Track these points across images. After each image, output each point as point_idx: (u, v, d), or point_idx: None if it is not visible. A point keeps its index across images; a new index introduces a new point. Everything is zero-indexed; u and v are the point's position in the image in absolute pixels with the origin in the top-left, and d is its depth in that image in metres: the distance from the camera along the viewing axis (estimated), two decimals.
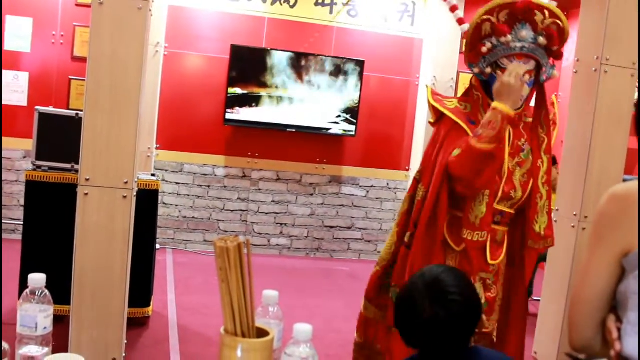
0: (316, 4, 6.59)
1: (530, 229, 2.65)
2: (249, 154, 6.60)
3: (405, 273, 2.61)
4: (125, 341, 3.39)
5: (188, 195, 6.53)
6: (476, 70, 2.56)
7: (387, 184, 6.98)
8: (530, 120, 2.65)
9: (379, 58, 6.71)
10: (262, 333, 1.32)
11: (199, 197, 6.56)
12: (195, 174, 6.52)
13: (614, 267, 1.40)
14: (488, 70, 2.52)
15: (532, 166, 2.63)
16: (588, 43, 3.63)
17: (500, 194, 2.56)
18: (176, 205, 6.52)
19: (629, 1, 3.52)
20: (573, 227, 3.59)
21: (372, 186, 6.93)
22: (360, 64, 6.52)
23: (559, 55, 2.53)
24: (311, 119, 6.51)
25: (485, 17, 2.45)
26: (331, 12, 6.62)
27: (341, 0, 6.63)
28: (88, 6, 3.45)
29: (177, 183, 6.49)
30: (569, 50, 6.94)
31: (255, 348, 1.28)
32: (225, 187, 6.60)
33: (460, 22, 2.79)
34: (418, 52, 6.85)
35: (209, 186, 6.56)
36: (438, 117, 2.66)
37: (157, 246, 6.02)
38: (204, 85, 6.41)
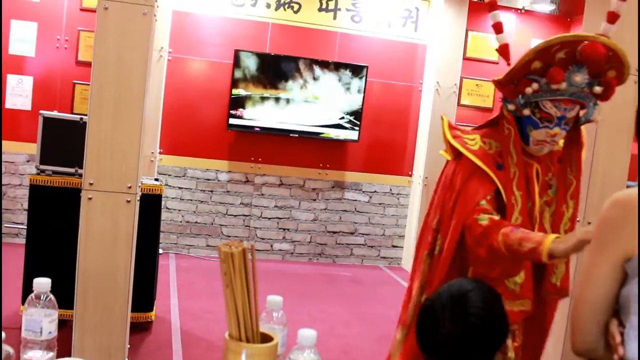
0: (320, 9, 6.60)
1: (548, 280, 2.28)
2: (252, 159, 6.60)
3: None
4: (128, 346, 3.39)
5: (191, 200, 6.54)
6: (511, 107, 2.17)
7: (390, 190, 6.98)
8: (560, 148, 2.32)
9: (382, 63, 6.72)
10: (266, 338, 1.32)
11: (202, 202, 6.56)
12: (198, 178, 6.53)
13: (616, 271, 1.41)
14: (526, 111, 2.14)
15: (557, 208, 2.29)
16: None
17: None
18: (179, 210, 6.52)
19: (631, 10, 3.52)
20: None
21: (375, 191, 6.93)
22: (363, 69, 6.52)
23: (606, 99, 2.15)
24: (314, 124, 6.51)
25: (539, 51, 2.04)
26: (335, 18, 6.64)
27: (345, 6, 6.64)
28: (93, 11, 3.47)
29: (180, 188, 6.50)
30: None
31: (259, 353, 1.28)
32: (228, 192, 6.60)
33: (497, 28, 2.28)
34: (421, 57, 6.86)
35: (212, 191, 6.57)
36: (456, 155, 2.30)
37: (160, 251, 6.02)
38: (208, 90, 6.42)
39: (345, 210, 6.90)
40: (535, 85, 2.08)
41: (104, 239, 3.19)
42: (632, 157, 3.64)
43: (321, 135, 6.57)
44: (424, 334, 1.63)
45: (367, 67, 6.53)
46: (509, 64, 2.21)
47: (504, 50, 2.24)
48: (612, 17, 2.10)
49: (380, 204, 6.97)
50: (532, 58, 2.05)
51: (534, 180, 2.24)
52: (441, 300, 1.60)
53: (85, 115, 3.26)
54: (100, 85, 3.12)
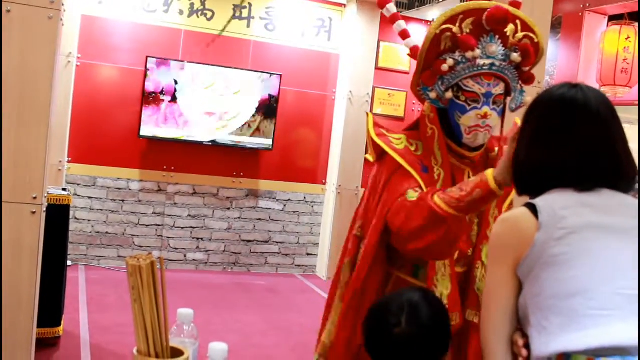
0: (233, 17, 6.57)
1: (472, 289, 2.12)
2: (165, 167, 6.49)
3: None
4: None
5: (101, 210, 6.36)
6: (432, 95, 2.04)
7: (304, 198, 7.00)
8: (495, 154, 2.18)
9: (296, 72, 6.75)
10: (176, 353, 1.30)
11: (112, 211, 6.40)
12: (109, 188, 6.36)
13: (512, 279, 1.51)
14: (448, 94, 2.02)
15: (484, 216, 2.14)
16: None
17: (456, 254, 2.07)
18: (89, 220, 6.33)
19: (534, 19, 3.67)
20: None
21: (289, 200, 6.94)
22: (277, 77, 6.53)
23: (530, 78, 2.10)
24: (228, 132, 6.47)
25: (445, 26, 1.97)
26: (249, 26, 6.62)
27: (259, 15, 6.64)
28: None
29: (90, 197, 6.31)
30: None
31: None
32: (140, 201, 6.46)
33: (404, 35, 2.21)
34: (334, 67, 6.94)
35: (123, 200, 6.41)
36: (379, 155, 2.14)
37: (69, 263, 5.83)
38: (119, 97, 6.27)
39: (259, 219, 6.88)
40: (450, 61, 1.98)
41: (6, 252, 3.06)
42: None
43: (234, 143, 6.53)
44: (376, 335, 1.63)
45: (281, 75, 6.55)
46: (390, 22, 2.20)
47: (415, 52, 2.12)
48: (515, 4, 2.09)
49: (294, 212, 6.98)
50: (438, 31, 1.98)
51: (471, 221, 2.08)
52: (398, 302, 1.62)
53: None
54: (3, 91, 3.00)
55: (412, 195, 1.93)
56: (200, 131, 6.37)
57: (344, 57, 6.85)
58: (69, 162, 6.13)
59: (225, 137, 6.47)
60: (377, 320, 1.65)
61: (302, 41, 6.77)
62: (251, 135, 6.55)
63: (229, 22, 6.46)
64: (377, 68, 6.90)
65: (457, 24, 1.96)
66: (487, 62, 1.96)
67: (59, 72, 3.41)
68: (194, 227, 6.66)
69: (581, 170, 1.50)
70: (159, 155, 6.44)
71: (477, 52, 1.95)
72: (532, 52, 2.02)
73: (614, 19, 5.25)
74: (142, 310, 1.23)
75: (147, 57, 6.16)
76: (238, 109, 6.48)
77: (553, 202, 1.49)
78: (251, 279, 6.60)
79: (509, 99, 2.11)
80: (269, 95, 6.52)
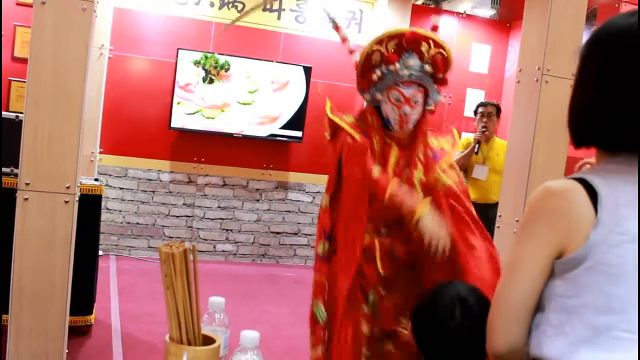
0: (264, 9, 6.58)
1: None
2: (195, 159, 6.53)
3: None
4: (67, 351, 3.31)
5: (132, 201, 6.43)
6: (367, 97, 2.72)
7: None
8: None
9: (325, 64, 6.73)
10: (208, 340, 1.31)
11: (143, 202, 6.46)
12: (139, 179, 6.42)
13: (547, 267, 1.35)
14: (379, 97, 2.65)
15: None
16: (530, 54, 3.72)
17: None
18: (120, 211, 6.40)
19: (568, 14, 3.62)
20: (515, 233, 3.66)
21: (318, 192, 6.94)
22: (307, 70, 6.53)
23: (444, 82, 2.70)
24: (258, 124, 6.49)
25: (375, 47, 2.61)
26: (279, 18, 6.62)
27: (289, 7, 6.64)
28: (30, 6, 3.39)
29: (121, 188, 6.38)
30: (512, 60, 7.13)
31: (200, 356, 1.26)
32: (170, 192, 6.52)
33: (351, 52, 2.89)
34: None
35: (153, 191, 6.47)
36: (333, 132, 2.74)
37: (100, 252, 5.90)
38: (150, 89, 6.33)
39: (288, 211, 6.89)
40: (378, 72, 2.62)
41: (40, 241, 3.10)
42: (569, 159, 3.75)
43: (265, 135, 6.54)
44: (430, 330, 1.65)
45: (310, 67, 6.54)
46: (342, 42, 2.96)
47: (356, 66, 2.75)
48: (434, 29, 2.72)
49: None
50: (370, 51, 2.62)
51: (389, 162, 2.65)
52: (447, 296, 1.64)
53: (22, 113, 3.17)
54: (37, 82, 3.03)
55: (376, 172, 2.56)
56: (230, 123, 6.40)
57: None
58: (100, 153, 6.20)
59: (255, 129, 6.49)
60: (429, 315, 1.67)
61: (332, 33, 6.73)
62: (281, 128, 6.56)
63: (241, 15, 6.43)
64: None
65: (384, 45, 2.60)
66: (407, 72, 2.58)
67: (91, 64, 3.44)
68: (223, 219, 6.70)
69: None
70: (189, 147, 6.49)
71: (398, 65, 2.58)
72: (441, 64, 2.63)
73: None
74: (175, 298, 1.24)
75: (178, 49, 6.19)
76: (269, 101, 6.49)
77: (614, 191, 1.30)
78: (280, 270, 6.62)
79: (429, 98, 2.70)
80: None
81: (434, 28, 2.74)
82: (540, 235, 1.35)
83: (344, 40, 2.97)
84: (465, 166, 5.28)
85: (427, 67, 2.61)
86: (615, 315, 1.28)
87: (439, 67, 2.63)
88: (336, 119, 2.72)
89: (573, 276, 1.31)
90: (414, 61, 2.59)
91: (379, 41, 2.60)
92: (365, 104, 2.81)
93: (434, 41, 2.61)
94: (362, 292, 2.63)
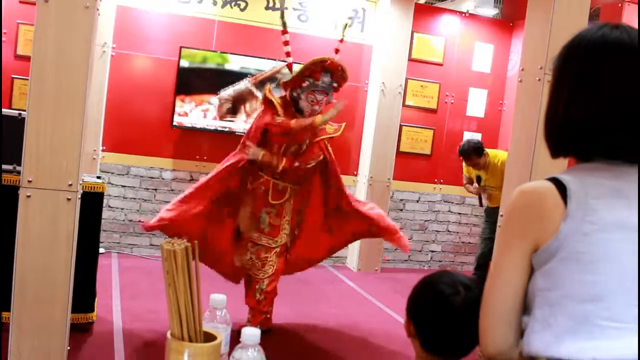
0: (266, 7, 6.58)
1: None
2: (197, 157, 6.54)
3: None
4: (68, 347, 3.32)
5: (134, 199, 6.44)
6: (294, 93, 4.24)
7: None
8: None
9: None
10: (209, 337, 1.31)
11: (145, 200, 6.47)
12: (141, 177, 6.43)
13: (526, 264, 1.38)
14: (301, 95, 4.20)
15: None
16: (532, 53, 3.72)
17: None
18: (122, 209, 6.41)
19: (571, 13, 3.62)
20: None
21: None
22: None
23: (338, 89, 4.35)
24: None
25: (310, 66, 4.12)
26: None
27: (292, 5, 6.64)
28: (33, 4, 3.40)
29: (123, 186, 6.39)
30: (514, 60, 7.13)
31: (202, 352, 1.27)
32: (172, 190, 6.52)
33: (288, 54, 4.39)
34: (367, 58, 6.91)
35: (155, 189, 6.48)
36: (266, 105, 4.29)
37: (102, 250, 5.91)
38: (152, 87, 6.33)
39: None
40: (307, 82, 4.15)
41: (43, 238, 3.11)
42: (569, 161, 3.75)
43: None
44: (434, 308, 1.62)
45: None
46: (283, 34, 4.41)
47: (290, 67, 4.40)
48: (337, 52, 4.36)
49: None
50: (305, 69, 4.12)
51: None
52: (446, 278, 1.64)
53: (24, 110, 3.18)
54: (40, 80, 3.05)
55: (279, 118, 4.17)
56: (232, 121, 6.40)
57: (377, 48, 6.81)
58: (103, 150, 6.21)
59: None
60: (430, 294, 1.63)
61: (335, 32, 6.75)
62: None
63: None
64: (410, 59, 6.86)
65: (313, 66, 4.11)
66: (321, 84, 4.18)
67: (94, 62, 3.44)
68: None
69: (628, 129, 1.33)
70: (191, 145, 6.49)
71: (319, 82, 4.16)
72: (342, 82, 4.30)
73: None
74: (176, 295, 1.24)
75: (180, 47, 6.20)
76: None
77: (584, 186, 1.35)
78: None
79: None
80: None
81: (336, 51, 4.34)
82: (518, 233, 1.40)
83: (284, 31, 4.45)
84: (479, 192, 6.22)
85: (334, 84, 4.26)
86: (593, 303, 1.31)
87: (340, 84, 4.30)
88: (269, 95, 4.27)
89: (550, 268, 1.35)
90: (327, 79, 4.19)
91: (313, 63, 4.11)
92: (287, 94, 4.28)
93: (342, 67, 4.19)
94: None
